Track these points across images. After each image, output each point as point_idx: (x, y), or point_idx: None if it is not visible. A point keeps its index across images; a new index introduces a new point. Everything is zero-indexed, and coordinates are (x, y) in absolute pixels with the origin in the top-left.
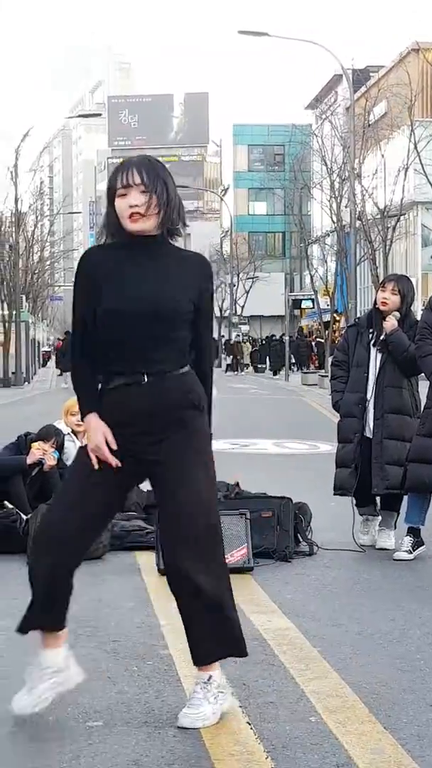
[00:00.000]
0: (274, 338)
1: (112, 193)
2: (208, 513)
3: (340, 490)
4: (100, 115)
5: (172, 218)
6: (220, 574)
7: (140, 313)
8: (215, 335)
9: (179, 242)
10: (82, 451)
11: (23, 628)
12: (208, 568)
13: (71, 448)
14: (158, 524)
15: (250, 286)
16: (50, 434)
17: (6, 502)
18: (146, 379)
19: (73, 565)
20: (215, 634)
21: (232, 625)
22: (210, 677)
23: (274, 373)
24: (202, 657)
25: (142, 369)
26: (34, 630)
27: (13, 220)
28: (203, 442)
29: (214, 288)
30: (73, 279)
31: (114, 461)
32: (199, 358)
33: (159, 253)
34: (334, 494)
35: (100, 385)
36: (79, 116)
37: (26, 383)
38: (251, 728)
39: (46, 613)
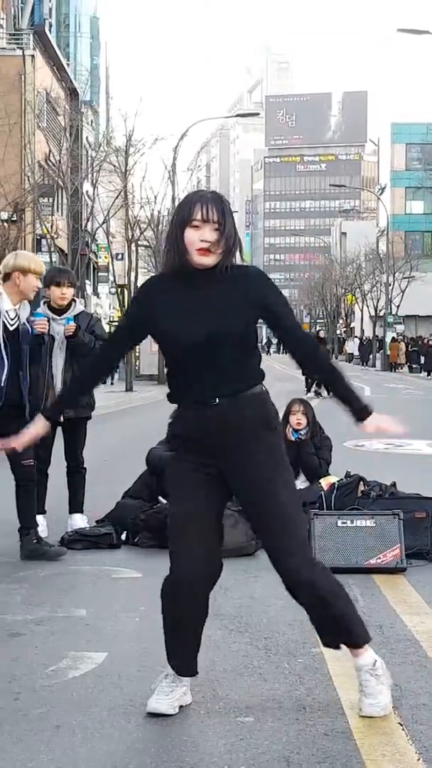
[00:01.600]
0: (422, 339)
1: (183, 221)
2: (296, 527)
3: None
4: (258, 114)
5: (233, 255)
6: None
7: (198, 342)
8: (369, 334)
9: None
10: (174, 493)
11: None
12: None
13: None
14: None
15: (406, 286)
16: None
17: (161, 498)
18: (217, 401)
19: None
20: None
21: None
22: (375, 662)
23: (429, 374)
24: (363, 635)
25: (212, 393)
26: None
27: (170, 219)
28: (279, 455)
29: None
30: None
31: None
32: (301, 344)
33: (215, 280)
34: None
35: (178, 408)
36: (237, 116)
37: None
38: (403, 729)
39: (187, 662)
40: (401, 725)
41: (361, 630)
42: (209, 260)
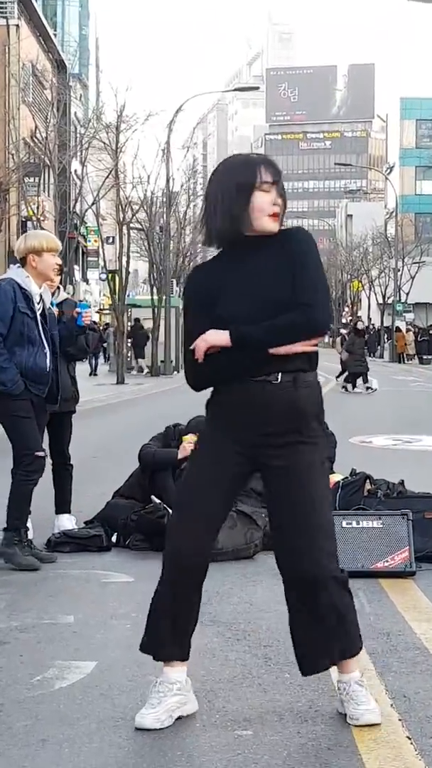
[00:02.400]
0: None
1: (249, 185)
2: (327, 533)
3: None
4: (257, 88)
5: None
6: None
7: (251, 318)
8: (377, 323)
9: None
10: (194, 456)
11: (156, 655)
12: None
13: None
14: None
15: (416, 272)
16: (201, 426)
17: (154, 497)
18: (280, 378)
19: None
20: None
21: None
22: (361, 674)
23: None
24: (356, 646)
25: (275, 368)
26: (166, 660)
27: (165, 200)
28: (323, 454)
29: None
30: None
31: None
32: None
33: (265, 246)
34: None
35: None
36: (236, 90)
37: (175, 372)
38: (411, 743)
39: (177, 646)
40: (409, 739)
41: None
42: (277, 225)
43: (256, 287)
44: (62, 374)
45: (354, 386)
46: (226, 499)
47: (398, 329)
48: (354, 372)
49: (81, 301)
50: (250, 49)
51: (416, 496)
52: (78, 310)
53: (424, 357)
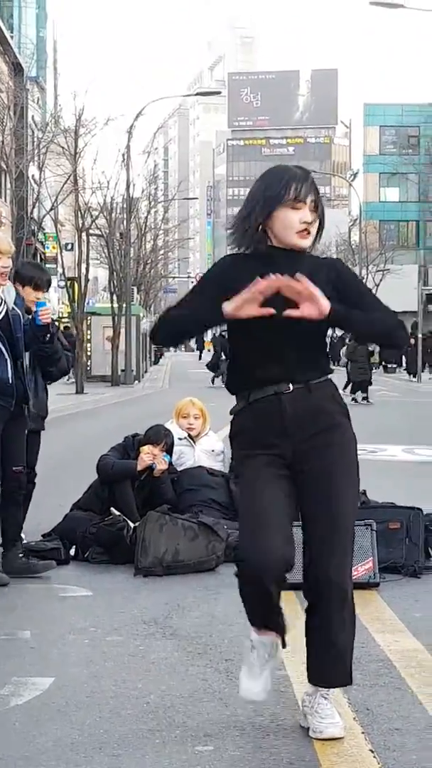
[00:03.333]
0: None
1: (278, 200)
2: (349, 531)
3: None
4: (219, 93)
5: (321, 235)
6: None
7: (275, 324)
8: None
9: None
10: (250, 476)
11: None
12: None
13: (186, 452)
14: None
15: (380, 279)
16: (160, 436)
17: (113, 509)
18: (291, 388)
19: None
20: (351, 651)
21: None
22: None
23: (413, 375)
24: (347, 674)
25: (287, 378)
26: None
27: (125, 206)
28: (353, 453)
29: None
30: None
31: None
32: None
33: (297, 263)
34: None
35: (243, 398)
36: (197, 94)
37: (136, 382)
38: (374, 756)
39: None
40: (372, 752)
41: None
42: (308, 242)
43: (289, 304)
44: (39, 388)
45: (364, 396)
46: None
47: None
48: (357, 381)
49: (36, 299)
50: (212, 52)
51: (380, 506)
52: (35, 309)
53: (389, 366)
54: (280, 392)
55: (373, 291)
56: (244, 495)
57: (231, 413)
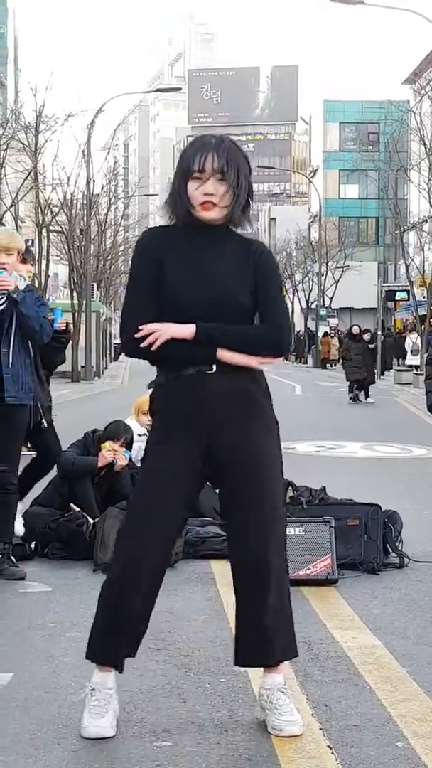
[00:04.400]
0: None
1: (185, 173)
2: (281, 516)
3: None
4: (179, 89)
5: (242, 208)
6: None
7: (201, 303)
8: (301, 328)
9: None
10: (152, 458)
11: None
12: (282, 562)
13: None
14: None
15: (340, 276)
16: (119, 432)
17: (72, 505)
18: (214, 369)
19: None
20: (290, 631)
21: (292, 625)
22: (285, 681)
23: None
24: (279, 652)
25: (209, 359)
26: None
27: (85, 202)
28: (276, 434)
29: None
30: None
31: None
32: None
33: (221, 240)
34: None
35: (164, 374)
36: (157, 90)
37: (96, 378)
38: (332, 753)
39: (124, 647)
40: (330, 748)
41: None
42: (214, 214)
43: (215, 281)
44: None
45: (367, 395)
46: (185, 502)
47: (326, 333)
48: (353, 380)
49: (53, 309)
50: (172, 48)
51: (339, 503)
52: (52, 317)
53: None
54: (199, 372)
55: (333, 287)
56: (141, 490)
57: (149, 387)
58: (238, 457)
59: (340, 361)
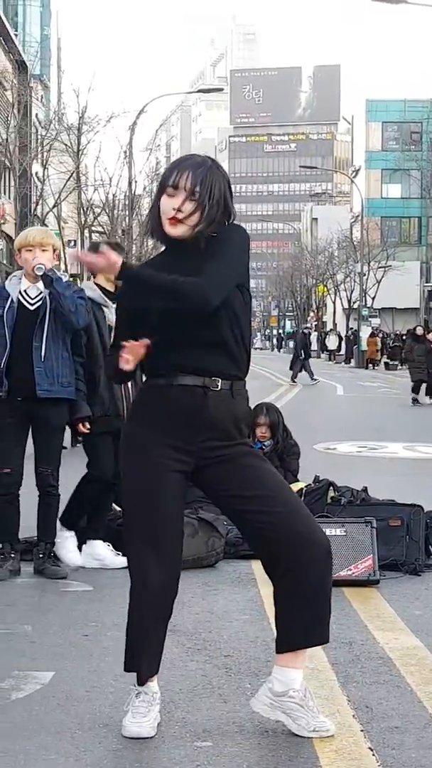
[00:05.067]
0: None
1: (161, 186)
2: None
3: None
4: (222, 89)
5: (212, 225)
6: None
7: (158, 321)
8: (342, 330)
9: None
10: (133, 476)
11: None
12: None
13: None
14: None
15: (382, 276)
16: None
17: (114, 505)
18: (219, 387)
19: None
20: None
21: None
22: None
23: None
24: (320, 635)
25: (204, 374)
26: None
27: (127, 203)
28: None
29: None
30: None
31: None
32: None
33: (189, 254)
34: None
35: (154, 379)
36: (200, 91)
37: None
38: (374, 755)
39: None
40: (371, 750)
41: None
42: (178, 231)
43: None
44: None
45: (430, 396)
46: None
47: (373, 334)
48: (417, 380)
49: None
50: (214, 49)
51: (380, 503)
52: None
53: (390, 363)
54: (199, 386)
55: (375, 287)
56: (140, 500)
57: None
58: (228, 465)
59: (402, 362)
